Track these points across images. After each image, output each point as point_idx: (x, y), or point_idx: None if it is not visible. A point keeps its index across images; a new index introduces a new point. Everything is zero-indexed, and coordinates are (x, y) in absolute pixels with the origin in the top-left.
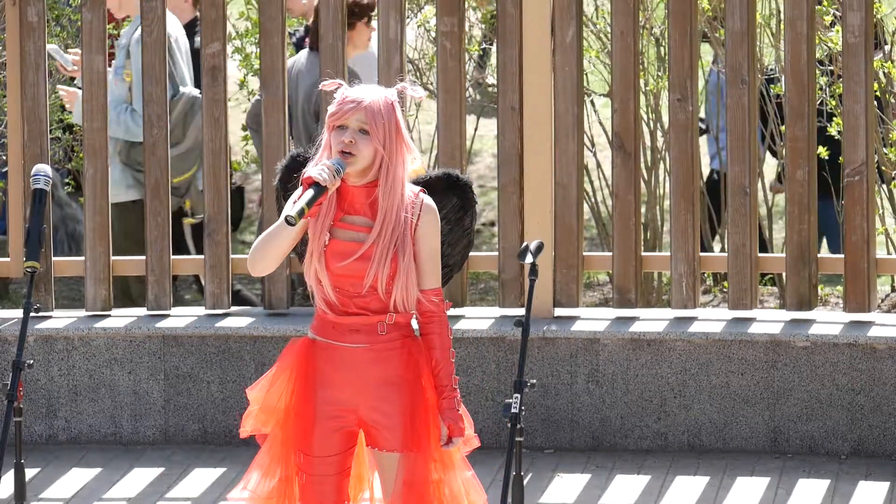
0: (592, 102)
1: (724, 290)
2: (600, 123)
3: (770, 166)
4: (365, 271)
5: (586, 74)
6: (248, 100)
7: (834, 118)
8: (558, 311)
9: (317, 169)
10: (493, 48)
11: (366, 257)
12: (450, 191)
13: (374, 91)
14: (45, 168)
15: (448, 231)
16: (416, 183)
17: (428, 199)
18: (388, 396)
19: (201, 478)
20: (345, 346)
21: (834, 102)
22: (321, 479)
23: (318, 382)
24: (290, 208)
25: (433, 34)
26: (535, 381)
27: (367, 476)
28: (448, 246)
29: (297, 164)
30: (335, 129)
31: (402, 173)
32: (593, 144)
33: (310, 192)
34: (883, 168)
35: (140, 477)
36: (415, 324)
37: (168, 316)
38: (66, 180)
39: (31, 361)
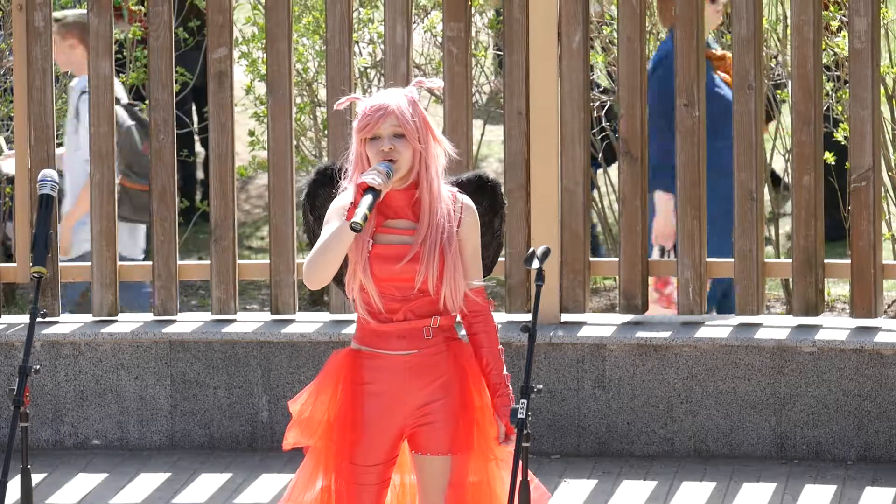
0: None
1: None
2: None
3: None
4: (415, 273)
5: (592, 80)
6: (255, 105)
7: (840, 124)
8: (565, 317)
9: (369, 174)
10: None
11: (415, 258)
12: (479, 193)
13: (394, 93)
14: (51, 173)
15: (480, 233)
16: (447, 184)
17: (467, 199)
18: (435, 400)
19: (207, 483)
20: (392, 353)
21: (840, 108)
22: (362, 488)
23: (366, 393)
24: (354, 215)
25: (440, 39)
26: (541, 386)
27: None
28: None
29: (325, 178)
30: (368, 141)
31: (439, 167)
32: (600, 150)
33: (368, 198)
34: (889, 174)
35: (146, 482)
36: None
37: (175, 321)
38: None
39: (38, 367)
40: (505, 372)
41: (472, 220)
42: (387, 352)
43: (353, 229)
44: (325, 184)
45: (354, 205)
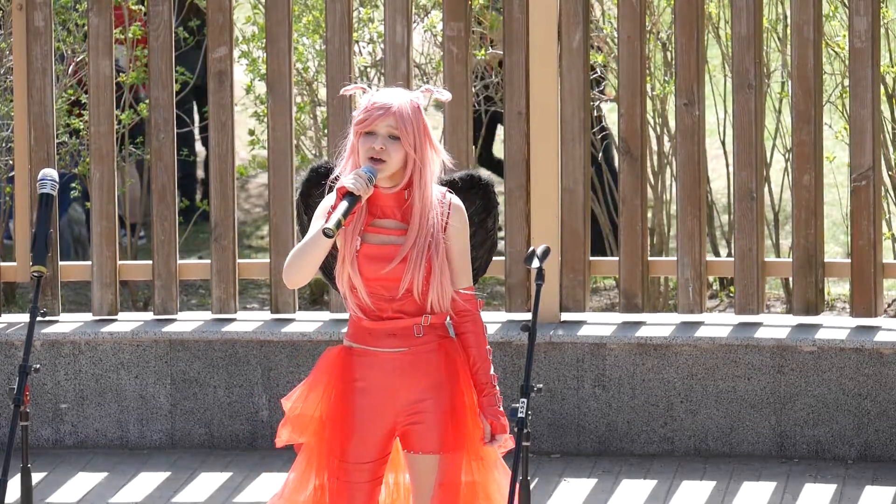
0: (599, 107)
1: (731, 294)
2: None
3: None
4: (400, 275)
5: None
6: (255, 104)
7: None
8: (565, 316)
9: (350, 179)
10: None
11: (402, 261)
12: (472, 192)
13: (400, 95)
14: (51, 172)
15: (472, 233)
16: (439, 183)
17: (456, 199)
18: (427, 399)
19: (207, 482)
20: (383, 351)
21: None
22: (354, 486)
23: (357, 390)
24: (328, 220)
25: (440, 39)
26: (541, 385)
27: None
28: (472, 249)
29: (319, 176)
30: (363, 135)
31: (432, 175)
32: (599, 150)
33: (344, 203)
34: (889, 173)
35: (146, 481)
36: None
37: (175, 320)
38: (73, 185)
39: (38, 366)
40: (492, 372)
41: (460, 221)
42: (378, 349)
43: (325, 235)
44: (318, 183)
45: (333, 209)
